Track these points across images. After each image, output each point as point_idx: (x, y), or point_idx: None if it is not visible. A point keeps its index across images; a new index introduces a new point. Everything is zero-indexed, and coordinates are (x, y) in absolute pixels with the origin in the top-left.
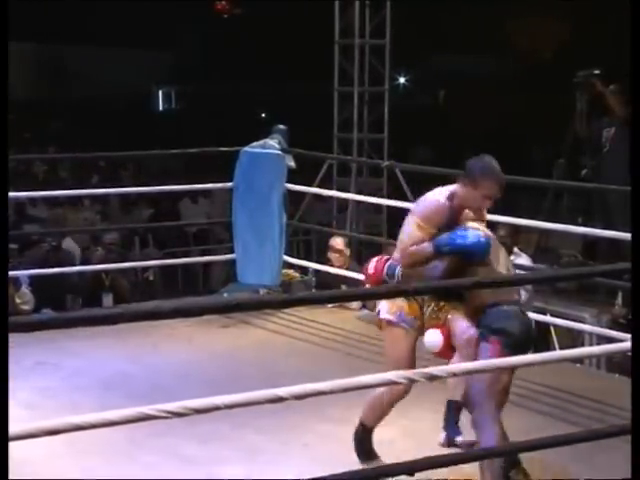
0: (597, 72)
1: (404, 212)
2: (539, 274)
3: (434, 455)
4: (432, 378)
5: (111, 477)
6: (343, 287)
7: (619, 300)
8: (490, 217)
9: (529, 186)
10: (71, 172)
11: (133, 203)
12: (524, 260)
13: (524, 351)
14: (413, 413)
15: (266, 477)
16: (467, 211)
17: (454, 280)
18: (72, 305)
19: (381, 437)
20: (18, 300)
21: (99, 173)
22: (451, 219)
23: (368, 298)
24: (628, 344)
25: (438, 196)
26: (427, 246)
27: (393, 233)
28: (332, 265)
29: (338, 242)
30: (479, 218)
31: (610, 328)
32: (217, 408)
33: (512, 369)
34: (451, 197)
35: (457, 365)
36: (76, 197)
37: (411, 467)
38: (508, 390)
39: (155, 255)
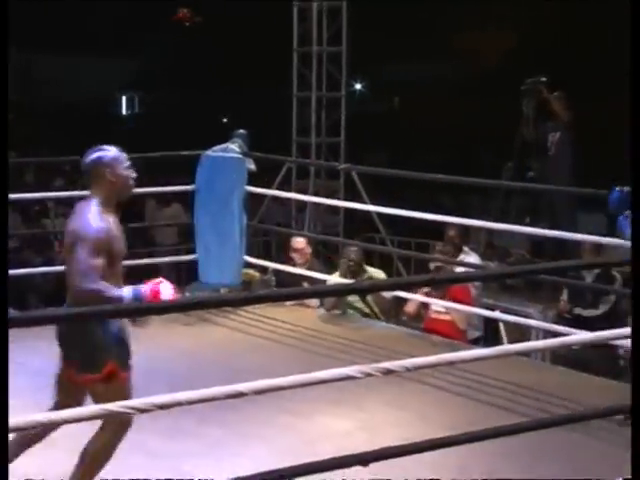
0: (543, 79)
1: (360, 213)
2: (488, 271)
3: (388, 446)
4: (388, 372)
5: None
6: (305, 285)
7: (564, 296)
8: (441, 218)
9: (479, 187)
10: (35, 176)
11: None
12: (473, 259)
13: None
14: (368, 407)
15: (228, 469)
16: None
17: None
18: (36, 305)
19: (337, 429)
20: None
21: (63, 177)
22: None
23: (324, 295)
24: (572, 338)
25: (93, 211)
26: None
27: (349, 233)
28: (294, 264)
29: (299, 242)
30: None
31: (555, 323)
32: (180, 404)
33: None
34: (100, 202)
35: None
36: (41, 200)
37: (365, 458)
38: None
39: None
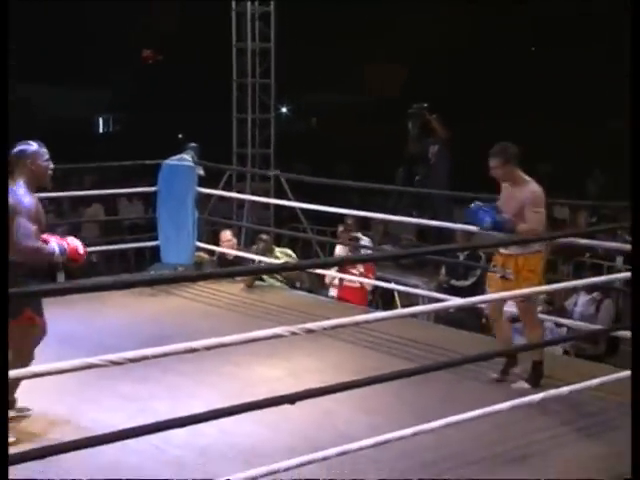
0: (425, 105)
1: (287, 208)
2: (386, 253)
3: (311, 388)
4: (309, 331)
5: (64, 412)
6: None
7: (443, 271)
8: (346, 211)
9: (379, 190)
10: None
11: (80, 203)
12: (366, 242)
13: None
14: (294, 358)
15: (185, 409)
16: None
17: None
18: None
19: (270, 376)
20: None
21: (53, 181)
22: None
23: (255, 273)
24: (449, 303)
25: (21, 191)
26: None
27: (278, 224)
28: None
29: (227, 234)
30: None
31: (436, 291)
32: (146, 358)
33: None
34: (25, 186)
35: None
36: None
37: (292, 398)
38: None
39: (98, 242)
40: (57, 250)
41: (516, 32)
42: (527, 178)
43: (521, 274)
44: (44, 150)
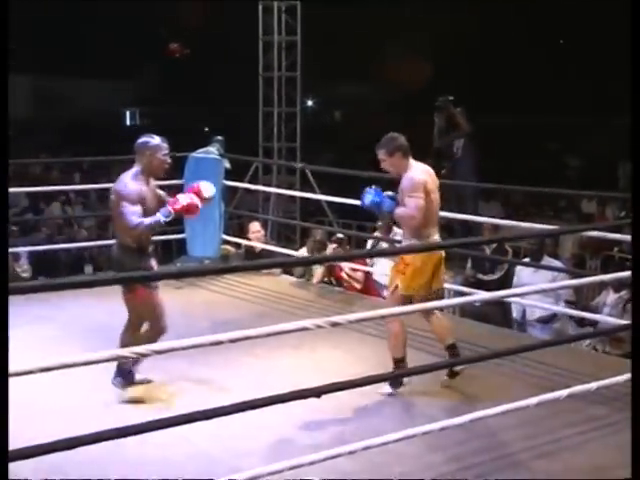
0: (451, 98)
1: (312, 201)
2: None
3: (336, 382)
4: (334, 324)
5: (91, 397)
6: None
7: (469, 265)
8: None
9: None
10: (60, 172)
11: (108, 196)
12: (399, 236)
13: None
14: (320, 351)
15: (212, 401)
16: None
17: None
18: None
19: (296, 369)
20: (18, 269)
21: (81, 173)
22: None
23: (283, 266)
24: (475, 296)
25: (129, 177)
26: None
27: (304, 217)
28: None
29: (256, 225)
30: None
31: (462, 285)
32: (174, 349)
33: None
34: (137, 173)
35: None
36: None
37: (319, 391)
38: None
39: None
40: (162, 217)
41: (544, 24)
42: (412, 167)
43: (397, 266)
44: (164, 145)
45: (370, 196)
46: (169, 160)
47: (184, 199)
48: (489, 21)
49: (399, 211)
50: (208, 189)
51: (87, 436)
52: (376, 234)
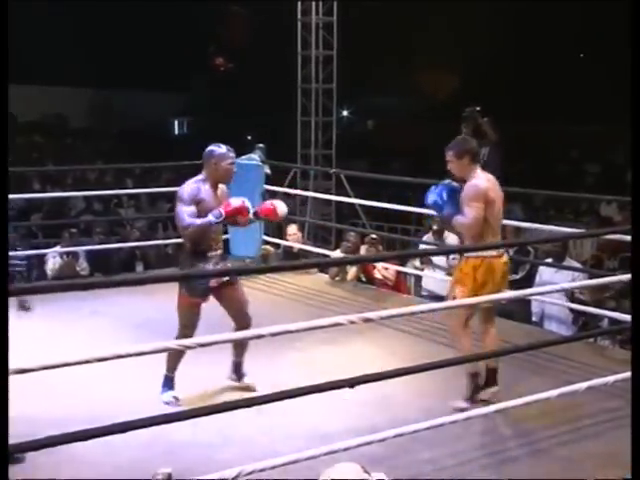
0: (478, 108)
1: (347, 205)
2: (442, 248)
3: (369, 373)
4: (367, 320)
5: (140, 386)
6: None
7: None
8: (405, 208)
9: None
10: (114, 178)
11: (157, 199)
12: (450, 239)
13: None
14: (354, 345)
15: (252, 389)
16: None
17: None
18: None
19: (331, 362)
20: (77, 268)
21: (133, 178)
22: (207, 193)
23: (318, 267)
24: (500, 295)
25: (191, 181)
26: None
27: (339, 220)
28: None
29: (293, 228)
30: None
31: None
32: (217, 343)
33: None
34: (203, 179)
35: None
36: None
37: (352, 382)
38: None
39: (173, 236)
40: (213, 218)
41: (565, 35)
42: (478, 174)
43: (455, 275)
44: (230, 154)
45: (433, 196)
46: (234, 169)
47: (235, 202)
48: (516, 35)
49: (457, 219)
50: (283, 209)
51: (139, 420)
52: (432, 229)
